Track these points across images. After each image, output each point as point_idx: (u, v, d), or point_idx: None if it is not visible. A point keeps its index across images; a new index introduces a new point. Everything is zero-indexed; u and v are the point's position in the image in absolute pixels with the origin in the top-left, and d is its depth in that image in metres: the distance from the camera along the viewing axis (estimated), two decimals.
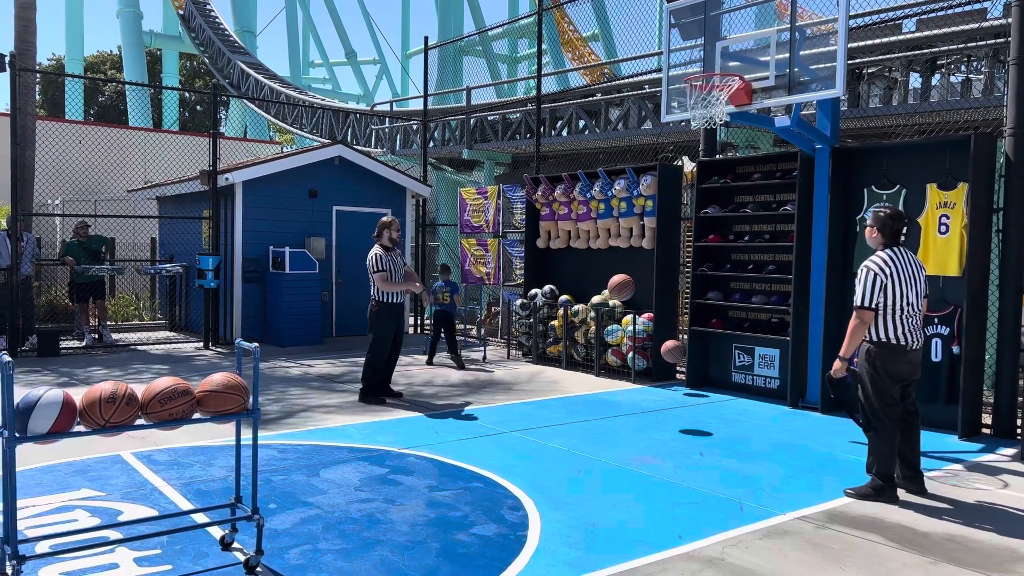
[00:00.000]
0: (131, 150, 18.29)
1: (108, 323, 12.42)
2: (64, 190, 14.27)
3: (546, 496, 4.91)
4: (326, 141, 18.78)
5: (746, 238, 8.63)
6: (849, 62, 8.11)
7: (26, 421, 3.21)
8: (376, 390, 7.90)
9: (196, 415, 3.66)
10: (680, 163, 10.24)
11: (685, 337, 9.20)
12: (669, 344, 8.51)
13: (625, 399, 8.22)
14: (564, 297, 10.15)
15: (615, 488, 5.13)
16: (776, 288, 8.39)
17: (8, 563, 3.21)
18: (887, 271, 4.88)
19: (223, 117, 37.82)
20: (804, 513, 4.70)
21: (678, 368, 9.32)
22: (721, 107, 7.21)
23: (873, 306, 4.88)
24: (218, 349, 11.49)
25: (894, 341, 4.91)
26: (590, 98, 15.51)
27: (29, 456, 5.40)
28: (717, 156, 9.62)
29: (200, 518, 4.33)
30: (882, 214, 5.03)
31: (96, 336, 11.78)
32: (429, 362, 10.37)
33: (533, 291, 10.57)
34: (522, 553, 3.99)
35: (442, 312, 10.24)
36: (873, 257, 4.99)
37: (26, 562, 3.28)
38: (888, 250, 4.97)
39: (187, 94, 46.93)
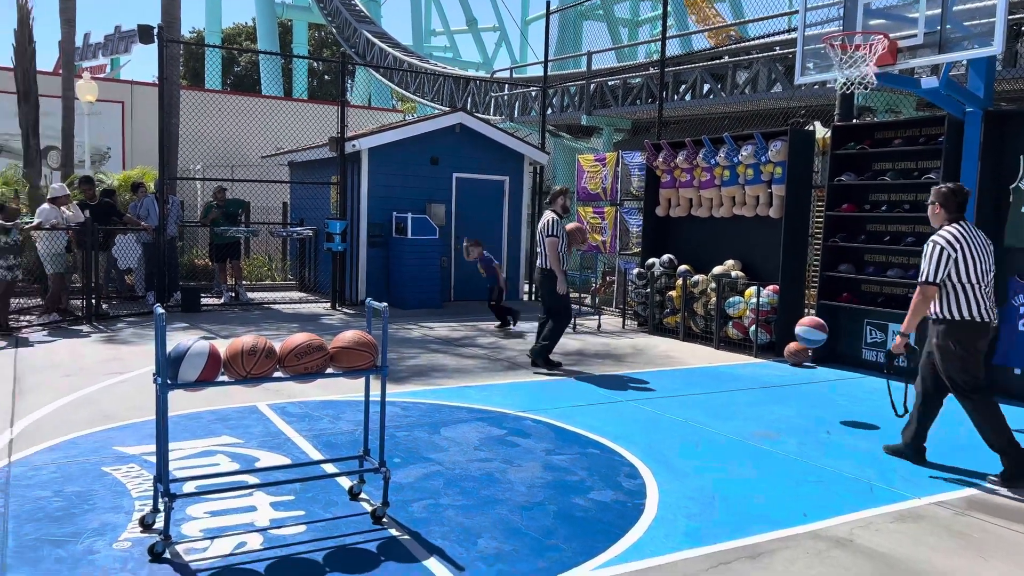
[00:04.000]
0: (264, 118, 19.15)
1: (243, 282, 13.15)
2: (204, 156, 15.12)
3: (664, 466, 4.85)
4: (447, 109, 19.02)
5: (883, 208, 8.14)
6: (1009, 17, 7.43)
7: (176, 369, 3.45)
8: (547, 352, 7.85)
9: (329, 370, 3.82)
10: (812, 128, 9.73)
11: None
12: (793, 346, 8.29)
13: (746, 373, 7.99)
14: (683, 267, 9.94)
15: (735, 462, 5.01)
16: (915, 262, 7.88)
17: (160, 499, 3.47)
18: (956, 246, 4.75)
19: (349, 86, 38.98)
20: (942, 498, 4.44)
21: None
22: (864, 68, 6.77)
23: (938, 281, 4.75)
24: (344, 310, 11.95)
25: (978, 319, 4.77)
26: (717, 61, 14.95)
27: (176, 403, 5.81)
28: (854, 120, 9.08)
29: (330, 468, 4.55)
30: (944, 189, 4.91)
31: (233, 294, 12.50)
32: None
33: (651, 260, 10.39)
34: (640, 521, 3.97)
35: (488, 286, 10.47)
36: (941, 232, 4.84)
37: (176, 500, 3.54)
38: (955, 225, 4.84)
39: (315, 64, 48.57)
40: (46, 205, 9.89)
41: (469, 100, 22.12)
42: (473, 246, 10.62)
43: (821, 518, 4.09)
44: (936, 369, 4.95)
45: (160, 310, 3.41)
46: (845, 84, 7.00)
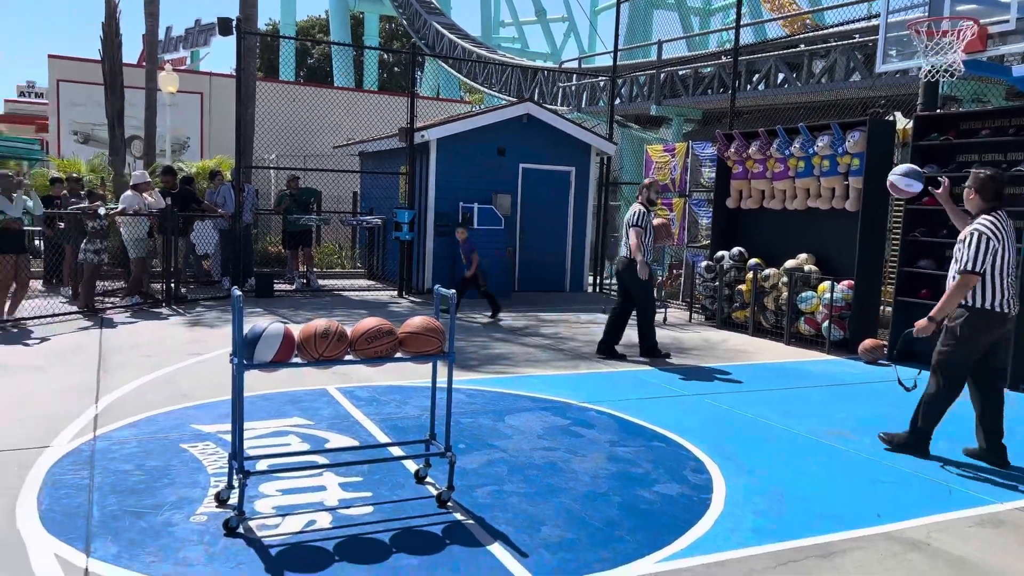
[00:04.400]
0: (336, 109, 19.51)
1: (314, 270, 13.45)
2: (278, 146, 15.49)
3: (731, 462, 4.77)
4: (514, 99, 19.01)
5: None
6: None
7: (252, 350, 3.55)
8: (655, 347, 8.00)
9: (397, 354, 3.88)
10: (893, 118, 9.38)
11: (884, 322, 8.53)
12: (868, 343, 8.06)
13: (818, 370, 7.79)
14: (754, 260, 9.73)
15: (806, 460, 4.89)
16: None
17: (235, 476, 3.58)
18: (999, 235, 4.71)
19: (419, 77, 39.36)
20: None
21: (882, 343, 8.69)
22: (951, 55, 6.50)
23: (981, 270, 4.69)
24: (411, 298, 12.11)
25: (998, 309, 4.76)
26: (792, 49, 14.55)
27: (250, 384, 5.97)
28: (938, 110, 8.73)
29: (397, 452, 4.62)
30: (982, 175, 4.84)
31: (304, 281, 12.80)
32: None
33: (720, 253, 10.21)
34: (706, 515, 3.91)
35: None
36: (982, 219, 4.78)
37: (249, 477, 3.65)
38: (993, 214, 4.79)
39: (386, 56, 49.20)
40: (129, 192, 10.29)
41: (536, 90, 22.07)
42: (461, 232, 10.59)
43: (896, 520, 3.96)
44: (979, 362, 4.90)
45: (238, 293, 3.51)
46: (930, 72, 6.74)
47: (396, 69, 50.68)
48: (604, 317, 10.55)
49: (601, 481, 4.35)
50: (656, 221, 8.24)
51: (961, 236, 4.82)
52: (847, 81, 13.02)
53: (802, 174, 9.40)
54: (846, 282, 8.62)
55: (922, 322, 4.85)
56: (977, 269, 4.68)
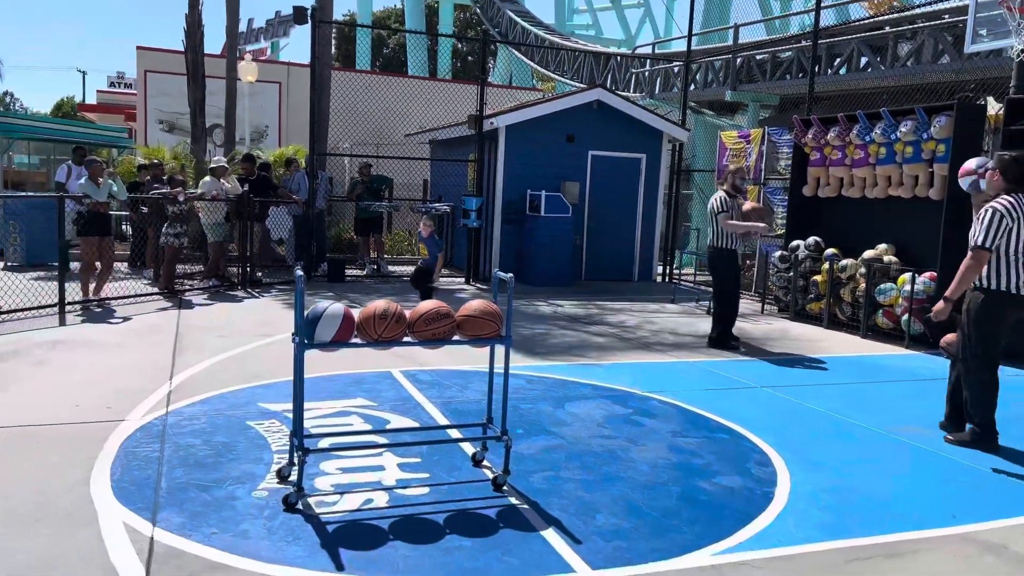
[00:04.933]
0: (408, 97, 19.72)
1: (385, 256, 13.64)
2: (352, 134, 15.75)
3: (798, 455, 4.62)
4: (584, 86, 18.85)
5: None
6: None
7: (313, 330, 3.60)
8: (727, 337, 7.93)
9: (455, 337, 3.88)
10: (983, 102, 8.89)
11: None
12: (951, 338, 7.64)
13: (896, 365, 7.47)
14: (830, 250, 9.39)
15: (877, 456, 4.70)
16: None
17: (296, 453, 3.65)
18: (1014, 215, 4.68)
19: (491, 66, 39.43)
20: None
21: None
22: None
23: (993, 247, 4.67)
24: (478, 285, 12.16)
25: (1014, 291, 4.71)
26: (876, 31, 13.94)
27: (316, 365, 6.09)
28: None
29: (454, 434, 4.64)
30: (1007, 157, 4.84)
31: (375, 267, 13.01)
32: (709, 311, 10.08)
33: (795, 242, 9.89)
34: (768, 509, 3.80)
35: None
36: (999, 199, 4.75)
37: (309, 454, 3.71)
38: (1012, 195, 4.74)
39: (459, 45, 49.47)
40: (208, 178, 10.63)
41: (609, 77, 21.81)
42: (428, 225, 10.23)
43: (972, 520, 3.76)
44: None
45: (300, 273, 3.57)
46: (1023, 52, 6.34)
47: (470, 58, 50.91)
48: (673, 307, 10.41)
49: (660, 471, 4.27)
50: (747, 205, 8.15)
51: (976, 214, 4.82)
52: (935, 64, 12.41)
53: (883, 161, 9.01)
54: (928, 274, 8.24)
55: (939, 304, 4.86)
56: (988, 245, 4.66)
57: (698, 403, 5.69)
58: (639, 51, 25.93)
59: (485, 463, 4.24)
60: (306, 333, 3.60)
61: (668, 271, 14.04)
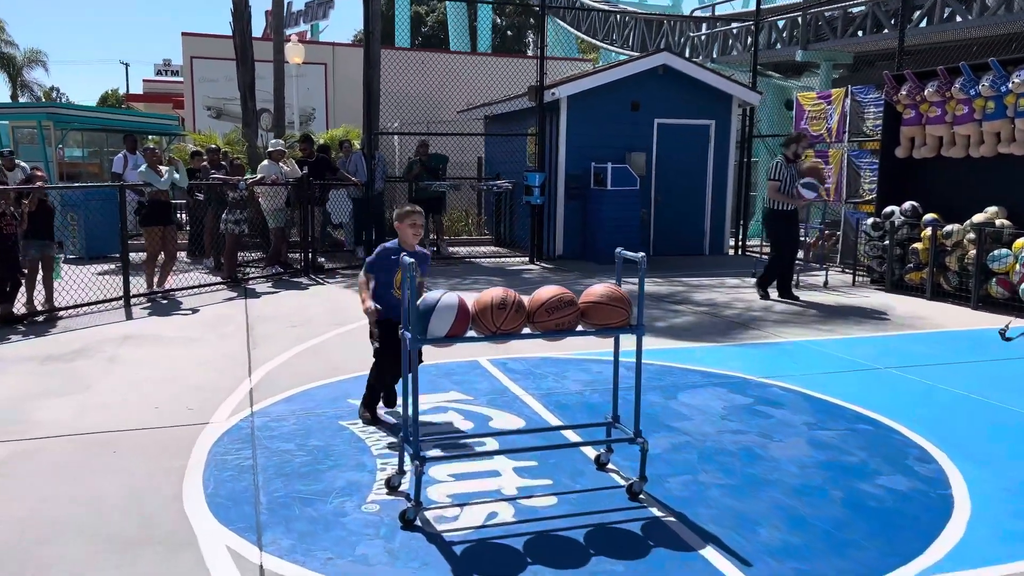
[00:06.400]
0: (455, 73, 19.17)
1: (444, 237, 13.22)
2: (401, 114, 15.30)
3: (960, 449, 4.07)
4: (636, 54, 18.09)
5: None
6: None
7: (426, 324, 3.17)
8: (768, 287, 8.66)
9: (579, 327, 3.42)
10: None
11: None
12: None
13: (1022, 338, 6.81)
14: (930, 216, 8.70)
15: None
16: None
17: (412, 463, 3.23)
18: None
19: (532, 39, 38.48)
20: None
21: None
22: None
23: None
24: (542, 264, 11.68)
25: None
26: None
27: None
28: None
29: (570, 434, 4.19)
30: None
31: (434, 248, 12.59)
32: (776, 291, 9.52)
33: (889, 208, 9.19)
34: (953, 517, 3.28)
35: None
36: None
37: (426, 464, 3.29)
38: None
39: (498, 19, 48.61)
40: (266, 161, 10.28)
41: (663, 42, 20.99)
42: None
43: None
44: None
45: (409, 260, 3.13)
46: None
47: (509, 33, 50.10)
48: (754, 280, 9.79)
49: (811, 472, 3.77)
50: (805, 165, 8.43)
51: None
52: None
53: (991, 116, 8.26)
54: None
55: None
56: None
57: (822, 388, 5.15)
58: (696, 13, 24.97)
59: (611, 466, 3.78)
60: (418, 327, 3.17)
61: (740, 244, 13.38)
